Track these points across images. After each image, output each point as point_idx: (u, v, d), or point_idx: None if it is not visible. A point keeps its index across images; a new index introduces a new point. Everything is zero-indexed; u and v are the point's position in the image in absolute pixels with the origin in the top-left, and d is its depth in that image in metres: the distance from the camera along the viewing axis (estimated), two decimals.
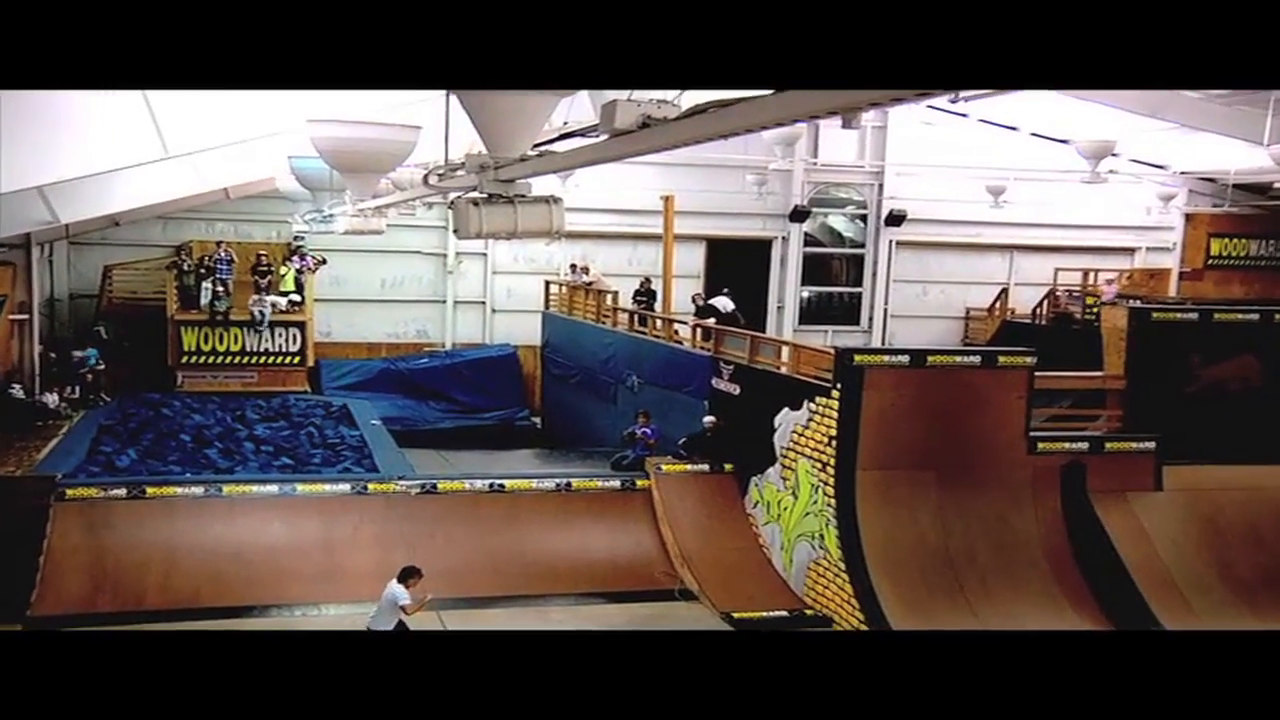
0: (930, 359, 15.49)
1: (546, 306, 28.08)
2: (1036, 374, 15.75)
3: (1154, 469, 16.34)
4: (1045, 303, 28.87)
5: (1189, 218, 32.23)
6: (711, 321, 20.76)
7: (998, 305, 30.87)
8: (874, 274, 31.26)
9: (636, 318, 23.40)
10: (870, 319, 31.40)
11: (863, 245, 31.37)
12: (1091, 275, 30.04)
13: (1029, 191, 30.06)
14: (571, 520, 17.23)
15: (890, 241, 31.04)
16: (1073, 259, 31.20)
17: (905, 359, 15.39)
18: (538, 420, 28.45)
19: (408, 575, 11.83)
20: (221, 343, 23.99)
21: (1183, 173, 30.54)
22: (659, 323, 22.56)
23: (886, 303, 31.38)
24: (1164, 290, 29.92)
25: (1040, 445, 15.92)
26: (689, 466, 18.09)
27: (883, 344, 30.17)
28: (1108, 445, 16.36)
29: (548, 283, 28.32)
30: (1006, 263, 31.99)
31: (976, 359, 15.91)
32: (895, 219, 30.48)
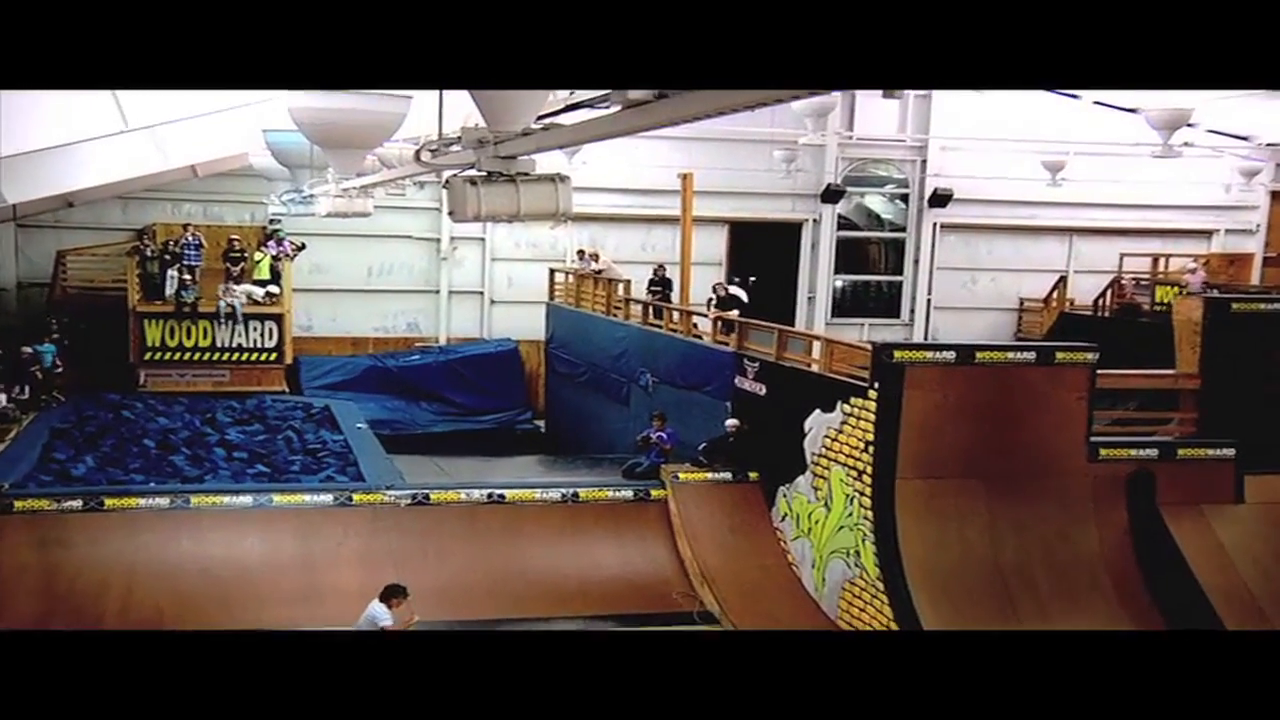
0: (979, 355, 15.47)
1: (551, 297, 28.13)
2: (1099, 372, 15.73)
3: (1233, 478, 16.27)
4: (1109, 292, 28.79)
5: (1276, 195, 32.05)
6: (734, 314, 20.78)
7: (1055, 295, 30.83)
8: (916, 261, 31.26)
9: (651, 309, 23.43)
10: (911, 311, 31.42)
11: (903, 229, 31.34)
12: (1162, 261, 29.93)
13: (1091, 167, 29.94)
14: (579, 534, 17.29)
15: (934, 224, 31.02)
16: (1140, 243, 31.12)
17: (951, 355, 15.38)
18: (541, 423, 28.50)
19: (391, 594, 11.87)
20: (189, 337, 24.08)
21: (1269, 144, 30.16)
22: (676, 315, 22.60)
23: (930, 293, 31.39)
24: (1245, 278, 29.69)
25: (1103, 452, 15.89)
26: (709, 475, 18.13)
27: (925, 339, 30.13)
28: (1180, 452, 16.32)
29: (553, 271, 28.37)
30: (1065, 247, 31.97)
31: (1031, 355, 15.88)
32: (940, 199, 30.44)
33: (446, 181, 10.61)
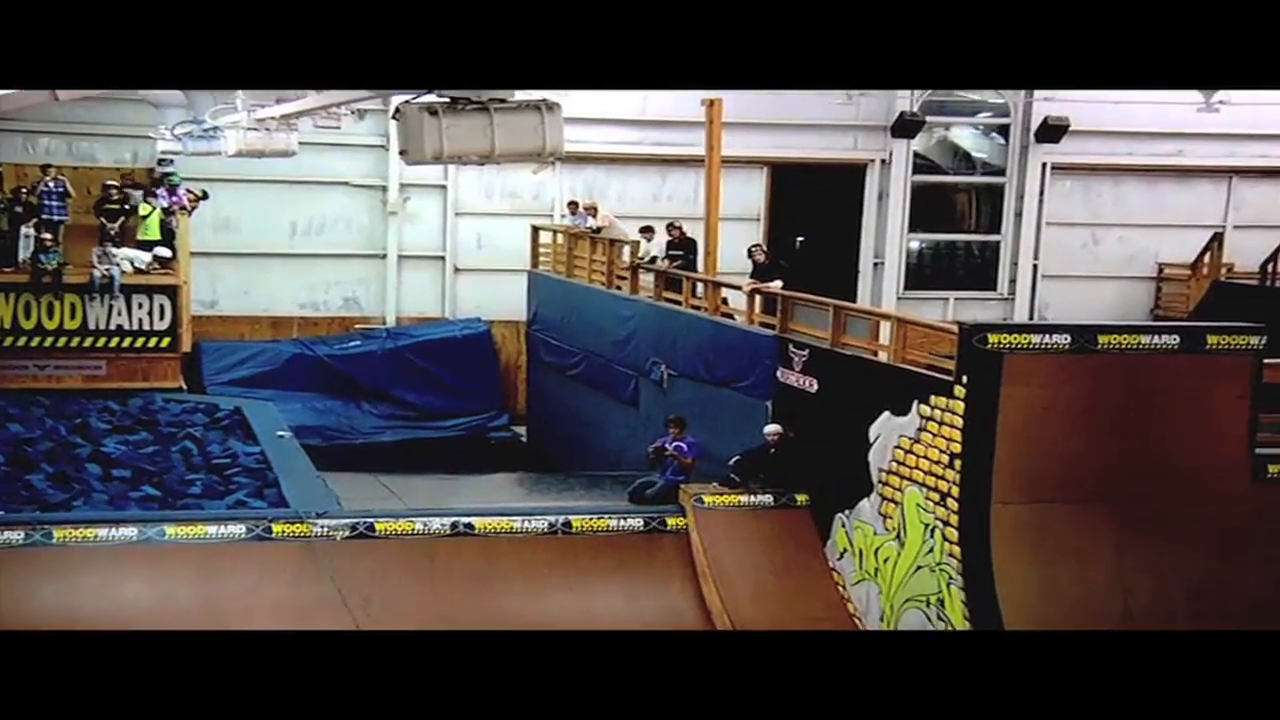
0: (1102, 340, 15.38)
1: (535, 264, 28.11)
2: (1267, 362, 15.65)
3: None
4: None
5: None
6: (777, 285, 20.76)
7: (1207, 259, 30.76)
8: (1018, 214, 31.18)
9: (667, 280, 23.43)
10: (1011, 281, 31.36)
11: (1002, 171, 31.26)
12: None
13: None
14: (573, 576, 17.28)
15: (1044, 165, 30.94)
16: None
17: (1064, 340, 15.30)
18: (521, 430, 28.52)
19: None
20: (50, 317, 24.04)
21: None
22: (700, 288, 22.58)
23: (1036, 257, 31.32)
24: None
25: (1272, 469, 15.81)
26: (744, 498, 18.11)
27: (1030, 318, 30.09)
28: None
29: (536, 229, 28.35)
30: (1221, 194, 31.99)
31: (1174, 340, 15.79)
32: (1052, 131, 30.32)
33: (397, 110, 10.60)
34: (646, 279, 24.01)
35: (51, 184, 24.58)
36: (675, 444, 18.56)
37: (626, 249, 24.66)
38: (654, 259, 23.85)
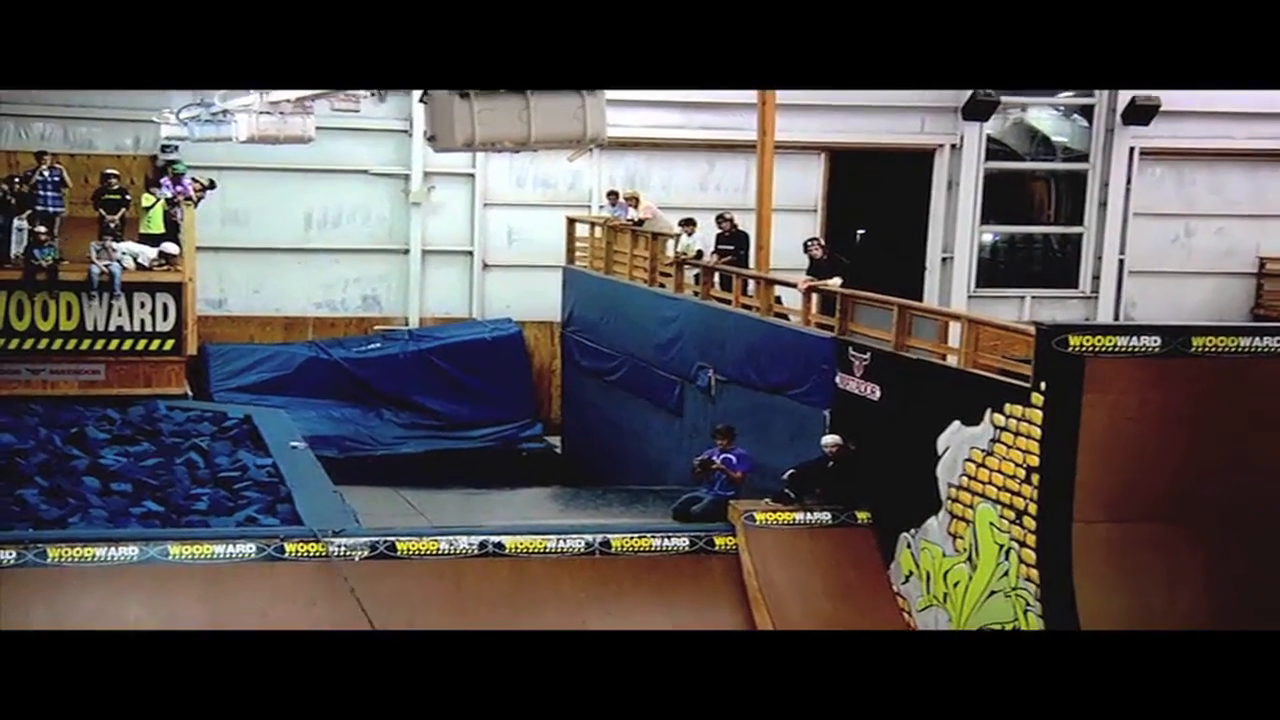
0: (1197, 342, 15.26)
1: (570, 260, 28.14)
2: None
3: None
4: None
5: None
6: (836, 283, 20.71)
7: None
8: (1103, 204, 31.05)
9: (716, 277, 23.42)
10: (1095, 278, 31.24)
11: (1085, 156, 31.15)
12: None
13: None
14: (611, 601, 17.26)
15: (1131, 149, 30.81)
16: None
17: (1154, 342, 15.21)
18: (556, 441, 28.56)
19: None
20: (45, 317, 24.13)
21: None
22: (751, 285, 22.56)
23: (1122, 251, 31.20)
24: None
25: None
26: (799, 515, 18.07)
27: (1116, 318, 29.96)
28: None
29: (572, 221, 28.39)
30: None
31: (1276, 342, 15.70)
32: (1140, 112, 30.17)
33: (425, 93, 10.61)
34: (693, 276, 23.97)
35: (47, 173, 24.62)
36: (724, 456, 18.53)
37: (671, 243, 24.62)
38: (700, 254, 23.81)
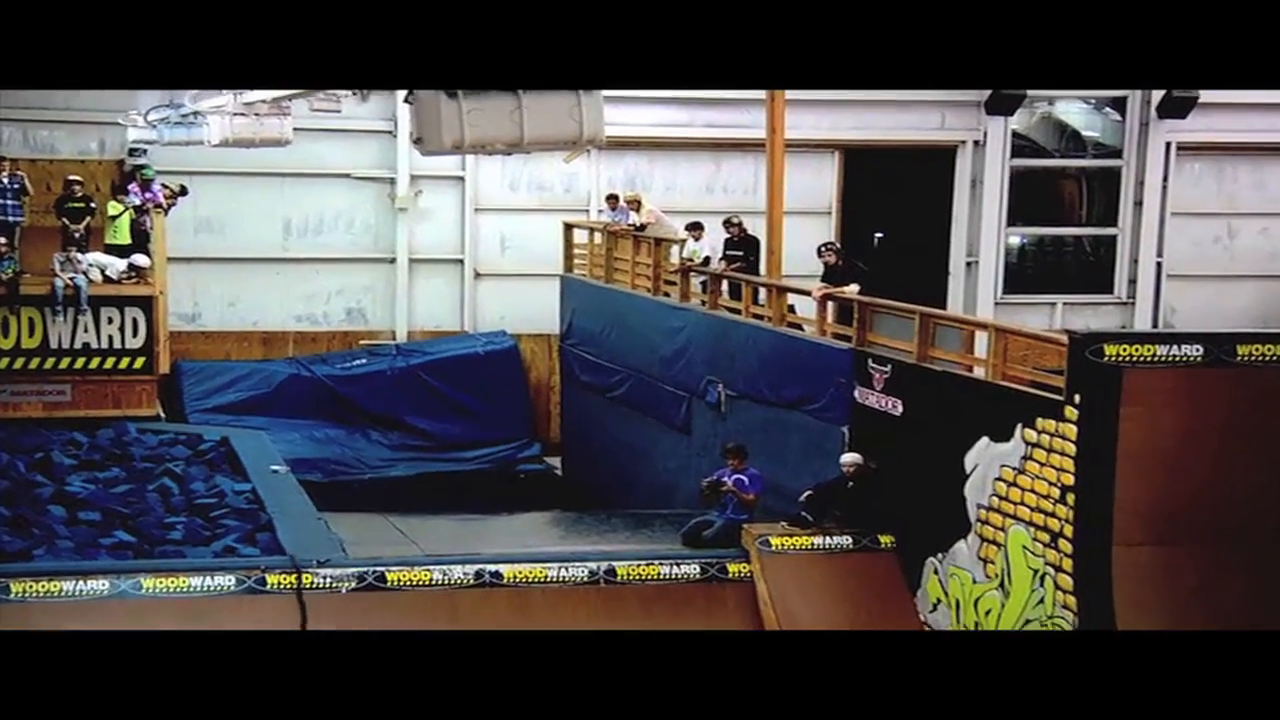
0: (1242, 351, 15.22)
1: (569, 267, 28.17)
2: None
3: None
4: None
5: None
6: (853, 290, 20.73)
7: None
8: (1138, 203, 31.09)
9: (725, 285, 23.45)
10: (1131, 282, 31.24)
11: (1118, 152, 31.18)
12: None
13: None
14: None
15: (1168, 145, 30.84)
16: None
17: (1196, 351, 15.16)
18: (556, 462, 28.56)
19: None
20: (5, 334, 24.18)
21: None
22: (762, 293, 22.59)
23: (1160, 253, 31.21)
24: None
25: None
26: (817, 540, 18.07)
27: (1155, 325, 29.99)
28: None
29: (569, 226, 28.42)
30: None
31: None
32: (1177, 104, 30.18)
33: (410, 93, 10.64)
34: (699, 284, 23.99)
35: (6, 180, 24.65)
36: (735, 477, 18.51)
37: (675, 249, 24.65)
38: (707, 260, 23.82)
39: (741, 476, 18.51)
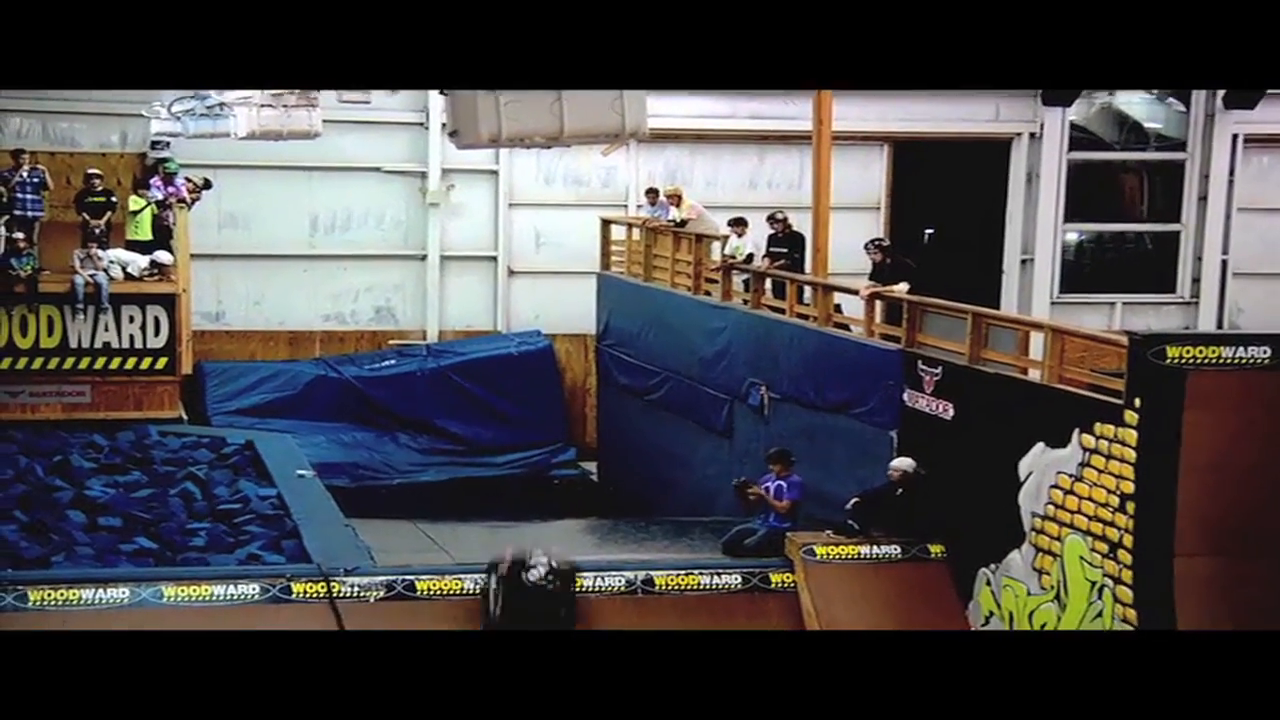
0: None
1: (606, 265, 28.18)
2: None
3: None
4: None
5: None
6: (902, 289, 20.66)
7: None
8: (1203, 198, 30.96)
9: (769, 284, 23.41)
10: (1195, 281, 31.14)
11: (1182, 145, 31.04)
12: None
13: None
14: None
15: (1234, 137, 30.73)
16: None
17: (1263, 353, 15.05)
18: (592, 467, 28.57)
19: None
20: (24, 333, 24.23)
21: None
22: (807, 292, 22.54)
23: (1225, 250, 31.10)
24: None
25: None
26: (864, 549, 18.01)
27: (1220, 326, 29.86)
28: None
29: (607, 222, 28.42)
30: None
31: None
32: (1244, 95, 29.96)
33: None
34: (742, 282, 23.96)
35: (25, 173, 24.69)
36: (776, 484, 18.43)
37: (717, 245, 24.60)
38: (750, 258, 23.76)
39: (782, 483, 18.47)
